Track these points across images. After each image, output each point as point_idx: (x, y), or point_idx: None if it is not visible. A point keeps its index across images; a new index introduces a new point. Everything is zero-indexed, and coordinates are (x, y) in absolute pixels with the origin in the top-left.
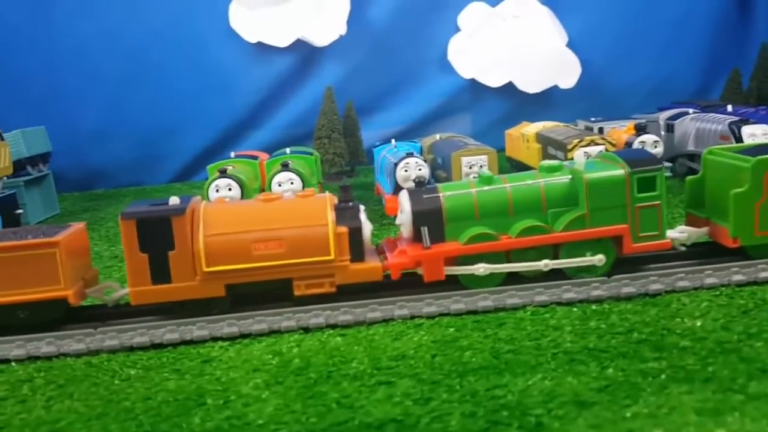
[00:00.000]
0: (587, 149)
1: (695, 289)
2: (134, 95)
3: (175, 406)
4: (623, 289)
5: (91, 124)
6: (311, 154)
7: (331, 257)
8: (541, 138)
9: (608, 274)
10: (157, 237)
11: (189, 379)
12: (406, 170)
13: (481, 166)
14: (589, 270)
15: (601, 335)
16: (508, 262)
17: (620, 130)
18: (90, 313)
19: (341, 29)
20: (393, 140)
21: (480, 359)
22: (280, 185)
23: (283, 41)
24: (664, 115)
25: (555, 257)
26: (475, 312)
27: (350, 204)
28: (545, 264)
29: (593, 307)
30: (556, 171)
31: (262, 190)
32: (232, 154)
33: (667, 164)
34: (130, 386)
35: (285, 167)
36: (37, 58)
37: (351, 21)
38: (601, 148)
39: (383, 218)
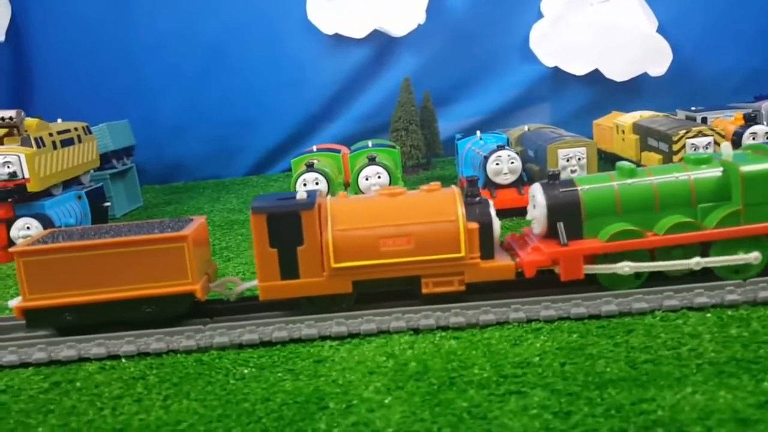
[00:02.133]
0: (694, 140)
1: None
2: (211, 90)
3: (297, 408)
4: (760, 294)
5: (169, 119)
6: (393, 147)
7: (462, 254)
8: (639, 128)
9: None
10: (286, 232)
11: (305, 380)
12: (497, 164)
13: (579, 159)
14: (743, 270)
15: (746, 344)
16: (652, 260)
17: (726, 120)
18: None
19: (420, 18)
20: (478, 132)
21: (616, 369)
22: (367, 179)
23: (360, 32)
24: (767, 105)
25: (704, 256)
26: (597, 317)
27: (478, 198)
28: (696, 262)
29: (729, 312)
30: (704, 163)
31: (347, 184)
32: (314, 148)
33: None
34: (246, 386)
35: (372, 161)
36: (117, 54)
37: (430, 9)
38: (709, 139)
39: None
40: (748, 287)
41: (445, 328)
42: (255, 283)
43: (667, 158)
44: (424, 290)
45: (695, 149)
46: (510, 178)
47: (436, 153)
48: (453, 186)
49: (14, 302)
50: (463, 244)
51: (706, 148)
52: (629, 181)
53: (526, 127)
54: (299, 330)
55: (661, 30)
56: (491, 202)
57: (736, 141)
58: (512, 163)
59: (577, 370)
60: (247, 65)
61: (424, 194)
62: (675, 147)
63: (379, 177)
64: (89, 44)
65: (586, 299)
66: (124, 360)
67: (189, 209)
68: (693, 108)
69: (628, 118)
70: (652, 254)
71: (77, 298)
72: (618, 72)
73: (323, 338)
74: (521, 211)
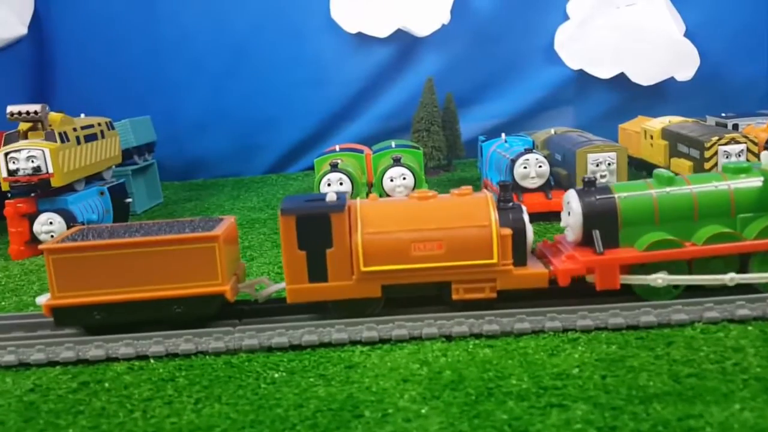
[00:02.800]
0: (727, 148)
1: None
2: (234, 87)
3: (331, 416)
4: None
5: (191, 115)
6: (417, 147)
7: (494, 261)
8: (668, 134)
9: None
10: (316, 234)
11: (337, 387)
12: (525, 167)
13: (609, 164)
14: None
15: None
16: (690, 271)
17: (758, 128)
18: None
19: (444, 18)
20: (503, 134)
21: (659, 383)
22: (392, 180)
23: (383, 31)
24: None
25: (743, 267)
26: (635, 327)
27: (511, 204)
28: (731, 278)
29: None
30: (744, 172)
31: (370, 184)
32: (337, 147)
33: None
34: (277, 391)
35: (397, 162)
36: (140, 50)
37: (454, 9)
38: (742, 146)
39: None
40: None
41: (478, 336)
42: (284, 285)
43: (698, 165)
44: (455, 296)
45: (727, 157)
46: (537, 182)
47: (458, 155)
48: (485, 190)
49: (42, 300)
50: (496, 250)
51: (739, 155)
52: (668, 189)
53: (552, 130)
54: (329, 334)
55: (688, 34)
56: (525, 208)
57: None
58: (540, 167)
59: (619, 383)
60: (270, 63)
61: (455, 198)
62: (707, 154)
63: (404, 178)
64: (112, 39)
65: (624, 309)
66: (152, 361)
67: (209, 207)
68: (723, 114)
69: (657, 123)
70: (689, 265)
71: (106, 296)
72: (644, 76)
73: (354, 343)
74: (548, 216)
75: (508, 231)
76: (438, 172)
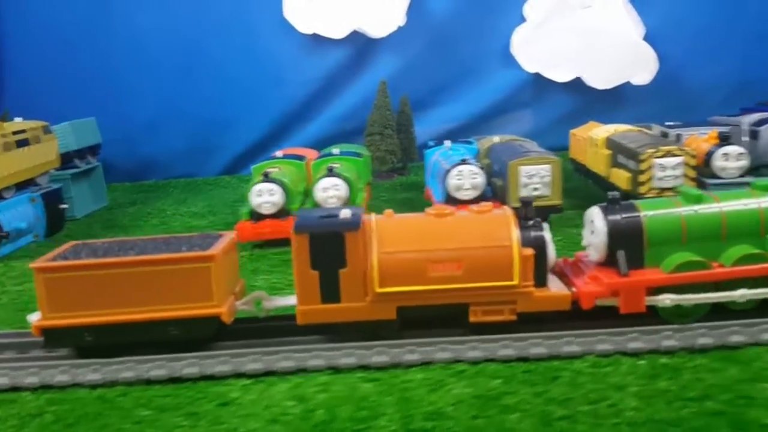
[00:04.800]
0: (662, 161)
1: None
2: (188, 87)
3: None
4: (699, 340)
5: (144, 115)
6: (360, 155)
7: (515, 282)
8: (611, 143)
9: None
10: (329, 253)
11: (202, 428)
12: (459, 179)
13: (542, 177)
14: None
15: (671, 401)
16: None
17: (700, 138)
18: None
19: (400, 20)
20: (447, 142)
21: (528, 426)
22: (324, 191)
23: (338, 33)
24: (747, 120)
25: None
26: (526, 359)
27: (532, 221)
28: (741, 294)
29: (663, 360)
30: None
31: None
32: (279, 153)
33: (749, 179)
34: None
35: (330, 172)
36: (95, 50)
37: (410, 11)
38: (678, 160)
39: None
40: (686, 333)
41: (366, 368)
42: (289, 301)
43: (635, 177)
44: (472, 318)
45: (663, 170)
46: (472, 194)
47: (412, 158)
48: (506, 207)
49: (33, 318)
50: (517, 271)
51: (674, 169)
52: (696, 207)
53: (496, 138)
54: (212, 366)
55: (648, 37)
56: (547, 225)
57: (708, 161)
58: (474, 178)
59: (487, 424)
60: (225, 63)
61: (475, 216)
62: (642, 166)
63: (337, 189)
64: (64, 39)
65: (516, 340)
66: (25, 393)
67: (152, 211)
68: (668, 123)
69: (603, 132)
70: (717, 287)
71: (97, 318)
72: (600, 80)
73: (238, 375)
74: None
75: (530, 251)
76: (391, 176)
